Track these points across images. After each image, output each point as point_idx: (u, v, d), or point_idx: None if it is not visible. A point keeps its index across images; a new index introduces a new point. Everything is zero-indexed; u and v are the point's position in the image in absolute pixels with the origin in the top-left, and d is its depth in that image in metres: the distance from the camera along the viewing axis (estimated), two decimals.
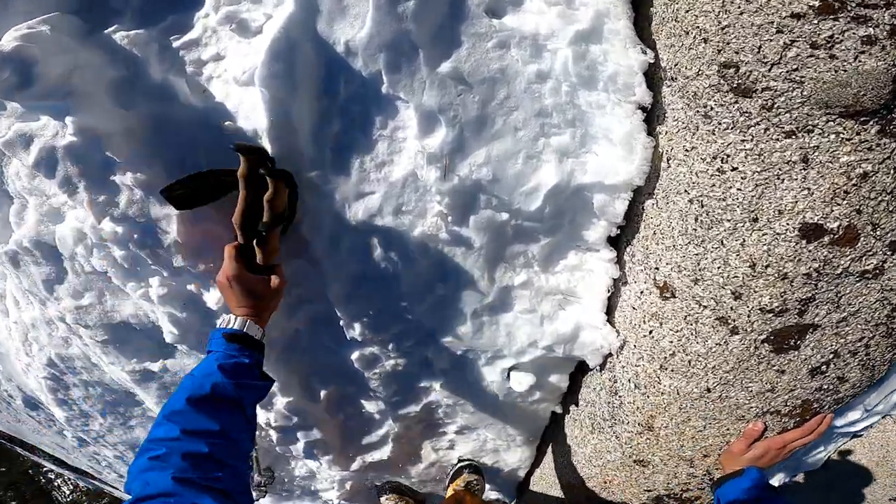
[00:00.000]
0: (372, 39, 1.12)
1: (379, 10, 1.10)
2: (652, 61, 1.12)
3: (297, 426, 1.64)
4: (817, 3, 0.82)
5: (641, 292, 1.28)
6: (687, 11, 0.99)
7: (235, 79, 1.17)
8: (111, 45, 1.15)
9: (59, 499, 13.52)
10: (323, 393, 1.58)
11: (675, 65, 1.05)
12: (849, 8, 0.82)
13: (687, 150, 1.08)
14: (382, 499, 2.09)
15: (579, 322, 1.39)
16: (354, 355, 1.47)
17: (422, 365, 1.51)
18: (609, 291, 1.37)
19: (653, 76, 1.16)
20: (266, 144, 1.16)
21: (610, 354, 1.43)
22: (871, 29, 0.82)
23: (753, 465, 1.25)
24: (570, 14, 1.15)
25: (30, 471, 12.96)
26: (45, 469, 12.25)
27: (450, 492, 1.95)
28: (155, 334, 1.45)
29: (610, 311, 1.40)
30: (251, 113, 1.17)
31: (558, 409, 1.75)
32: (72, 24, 1.14)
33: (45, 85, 1.08)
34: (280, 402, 1.56)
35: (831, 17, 0.83)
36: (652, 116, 1.18)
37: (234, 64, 1.18)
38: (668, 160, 1.13)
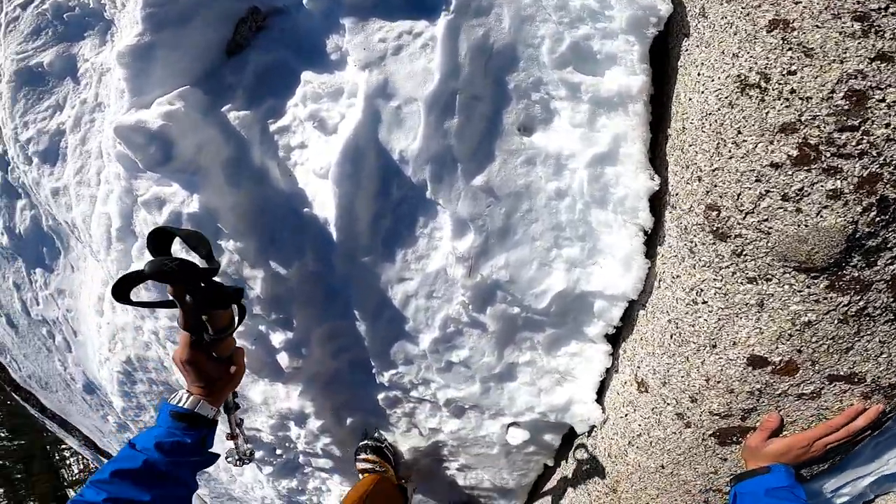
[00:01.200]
0: (421, 152, 1.37)
1: (429, 125, 1.34)
2: (657, 188, 1.32)
3: (323, 444, 1.93)
4: (795, 153, 0.96)
5: (625, 382, 1.53)
6: (690, 145, 1.16)
7: (314, 171, 1.46)
8: (226, 124, 1.45)
9: (66, 476, 14.20)
10: (349, 420, 1.86)
11: (676, 195, 1.25)
12: (823, 158, 0.93)
13: (673, 277, 1.32)
14: (359, 458, 1.91)
15: (572, 397, 1.63)
16: (380, 396, 1.75)
17: (435, 410, 1.77)
18: (601, 377, 1.61)
19: (658, 200, 1.35)
20: (332, 232, 1.44)
21: (594, 426, 1.67)
22: (838, 182, 0.94)
23: (780, 463, 1.22)
24: (591, 136, 1.35)
25: (47, 447, 13.60)
26: (63, 447, 12.85)
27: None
28: None
29: (599, 392, 1.64)
30: (325, 203, 1.45)
31: (550, 463, 1.98)
32: (198, 99, 1.44)
33: (181, 161, 1.40)
34: (313, 423, 1.85)
35: (805, 167, 0.96)
36: (654, 238, 1.40)
37: (315, 156, 1.46)
38: (659, 281, 1.38)
